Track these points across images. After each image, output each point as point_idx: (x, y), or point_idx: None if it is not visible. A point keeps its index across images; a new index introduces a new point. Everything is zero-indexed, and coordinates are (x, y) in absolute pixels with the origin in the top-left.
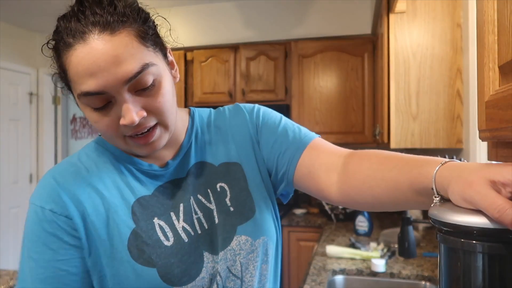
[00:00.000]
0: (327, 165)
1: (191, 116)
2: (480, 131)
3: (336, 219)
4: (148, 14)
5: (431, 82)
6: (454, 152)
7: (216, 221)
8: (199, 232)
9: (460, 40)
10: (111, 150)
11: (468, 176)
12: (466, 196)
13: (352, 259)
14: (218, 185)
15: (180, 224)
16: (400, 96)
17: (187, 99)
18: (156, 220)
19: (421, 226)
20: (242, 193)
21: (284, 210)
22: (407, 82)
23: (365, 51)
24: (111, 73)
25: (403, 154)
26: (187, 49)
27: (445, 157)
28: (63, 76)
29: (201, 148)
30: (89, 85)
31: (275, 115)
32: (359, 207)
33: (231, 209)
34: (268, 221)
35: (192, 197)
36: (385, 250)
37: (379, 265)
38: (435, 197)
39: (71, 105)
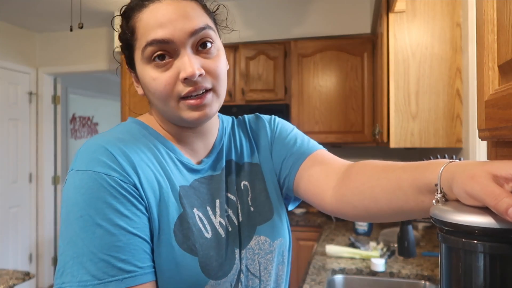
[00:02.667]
0: (328, 172)
1: (221, 119)
2: (479, 130)
3: (336, 219)
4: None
5: (431, 82)
6: (453, 151)
7: (240, 219)
8: (230, 229)
9: (459, 40)
10: (153, 134)
11: (471, 170)
12: (467, 188)
13: (351, 258)
14: (242, 183)
15: (217, 220)
16: (400, 95)
17: None
18: (195, 211)
19: (420, 225)
20: (262, 194)
21: None
22: (406, 82)
23: (364, 50)
24: (179, 23)
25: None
26: None
27: (444, 156)
28: (129, 38)
29: (229, 148)
30: (158, 32)
31: (289, 125)
32: (353, 213)
33: (252, 209)
34: (284, 224)
35: (225, 194)
36: (384, 249)
37: (379, 264)
38: (438, 193)
39: (71, 105)
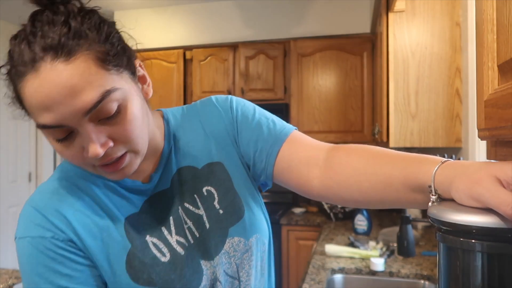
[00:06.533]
0: (307, 159)
1: (165, 119)
2: (479, 130)
3: (335, 218)
4: (111, 27)
5: (430, 81)
6: (453, 151)
7: (207, 226)
8: (192, 241)
9: (459, 39)
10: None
11: (473, 173)
12: (473, 193)
13: (351, 258)
14: (204, 189)
15: (173, 238)
16: (399, 95)
17: (186, 98)
18: (148, 238)
19: (420, 225)
20: (229, 193)
21: (283, 209)
22: (406, 81)
23: (364, 50)
24: (67, 105)
25: (397, 151)
26: (186, 48)
27: (444, 156)
28: (20, 104)
29: (181, 152)
30: (45, 118)
31: (248, 108)
32: (342, 202)
33: (221, 211)
34: (259, 217)
35: (180, 207)
36: (384, 249)
37: (378, 264)
38: (432, 195)
39: None
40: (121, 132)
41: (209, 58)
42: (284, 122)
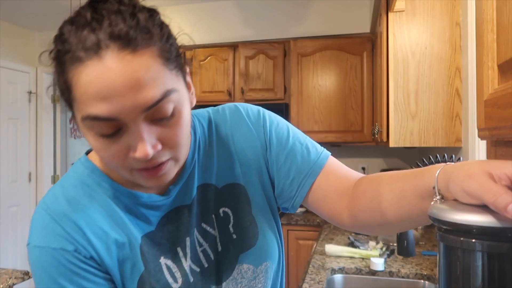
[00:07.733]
0: (341, 192)
1: (192, 127)
2: (479, 129)
3: None
4: (169, 29)
5: (430, 81)
6: (453, 151)
7: (219, 249)
8: (206, 265)
9: (459, 39)
10: (107, 182)
11: (468, 169)
12: (465, 186)
13: (351, 257)
14: (221, 210)
15: (187, 263)
16: (399, 94)
17: None
18: (162, 260)
19: None
20: (246, 218)
21: None
22: (406, 81)
23: (364, 50)
24: (128, 98)
25: (414, 169)
26: (186, 48)
27: (444, 155)
28: (65, 93)
29: (205, 167)
30: (100, 109)
31: (282, 129)
32: (369, 230)
33: (234, 236)
34: (272, 244)
35: (196, 229)
36: (384, 248)
37: (378, 263)
38: (436, 196)
39: None
40: (171, 136)
41: (209, 58)
42: (318, 146)
